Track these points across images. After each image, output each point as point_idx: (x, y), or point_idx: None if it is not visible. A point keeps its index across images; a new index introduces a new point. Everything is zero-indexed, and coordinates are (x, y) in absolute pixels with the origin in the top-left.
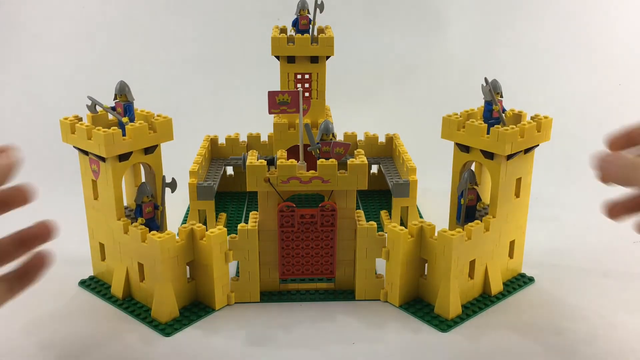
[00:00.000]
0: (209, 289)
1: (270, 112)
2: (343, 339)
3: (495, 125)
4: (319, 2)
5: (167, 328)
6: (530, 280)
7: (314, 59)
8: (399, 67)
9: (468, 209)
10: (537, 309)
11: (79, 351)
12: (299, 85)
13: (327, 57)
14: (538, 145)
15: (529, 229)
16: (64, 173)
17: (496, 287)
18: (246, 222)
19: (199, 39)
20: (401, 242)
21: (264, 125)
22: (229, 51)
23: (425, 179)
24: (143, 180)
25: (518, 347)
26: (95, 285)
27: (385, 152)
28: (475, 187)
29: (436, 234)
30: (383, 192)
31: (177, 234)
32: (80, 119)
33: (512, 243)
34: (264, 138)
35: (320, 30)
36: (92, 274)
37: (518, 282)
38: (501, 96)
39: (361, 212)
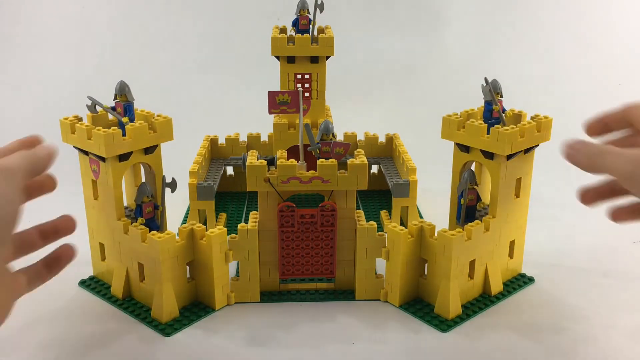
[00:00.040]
0: (209, 289)
1: (270, 112)
2: (343, 339)
3: (495, 125)
4: (319, 2)
5: (167, 328)
6: (530, 280)
7: (314, 59)
8: (399, 67)
9: (468, 209)
10: (537, 309)
11: (78, 351)
12: (299, 85)
13: (327, 57)
14: (538, 145)
15: (529, 229)
16: (64, 173)
17: (496, 287)
18: (246, 222)
19: (199, 39)
20: (401, 242)
21: (264, 125)
22: (229, 51)
23: (425, 179)
24: (143, 180)
25: (518, 347)
26: (95, 285)
27: (385, 152)
28: (475, 187)
29: (436, 234)
30: (383, 192)
31: (177, 234)
32: (80, 119)
33: (512, 243)
34: (264, 138)
35: (320, 30)
36: (92, 274)
37: (518, 282)
38: (501, 96)
39: (361, 212)
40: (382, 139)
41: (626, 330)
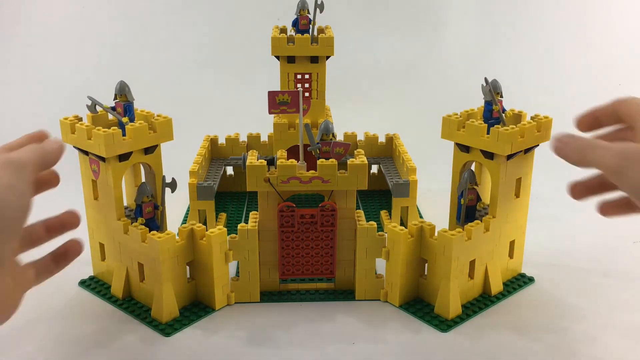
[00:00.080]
0: (209, 289)
1: (270, 112)
2: (343, 339)
3: (495, 125)
4: (319, 2)
5: (167, 328)
6: (530, 280)
7: (314, 59)
8: (399, 67)
9: (468, 209)
10: (537, 309)
11: (78, 351)
12: (299, 85)
13: (327, 57)
14: (538, 145)
15: (529, 229)
16: (64, 173)
17: (496, 287)
18: (246, 222)
19: (199, 39)
20: (401, 242)
21: (264, 125)
22: (229, 51)
23: (425, 179)
24: (143, 180)
25: (518, 347)
26: (95, 285)
27: (385, 152)
28: (475, 187)
29: (436, 234)
30: (383, 192)
31: (177, 234)
32: (80, 119)
33: (512, 243)
34: (264, 138)
35: (320, 30)
36: (92, 274)
37: (518, 282)
38: (501, 96)
39: (361, 212)
40: (382, 139)
41: (626, 330)
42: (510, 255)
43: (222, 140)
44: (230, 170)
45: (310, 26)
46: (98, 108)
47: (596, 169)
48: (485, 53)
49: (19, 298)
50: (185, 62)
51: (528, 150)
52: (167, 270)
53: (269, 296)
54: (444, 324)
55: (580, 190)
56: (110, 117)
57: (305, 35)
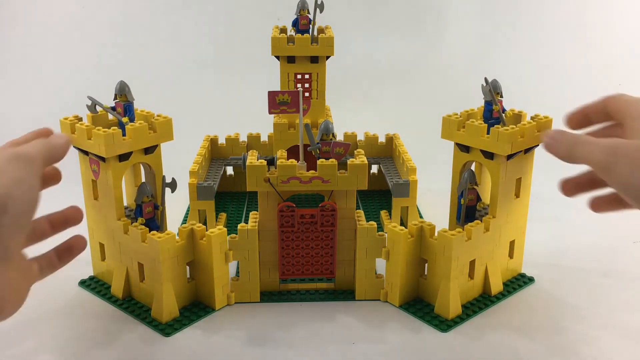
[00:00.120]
0: (209, 289)
1: (270, 112)
2: (343, 339)
3: (495, 125)
4: (319, 2)
5: (167, 328)
6: (530, 280)
7: (314, 59)
8: (399, 67)
9: (468, 209)
10: (537, 309)
11: (78, 351)
12: (299, 85)
13: (327, 57)
14: (538, 145)
15: (529, 229)
16: (64, 173)
17: (496, 287)
18: (246, 222)
19: (199, 39)
20: (401, 242)
21: (264, 125)
22: (229, 51)
23: (425, 179)
24: (143, 180)
25: (518, 347)
26: (95, 285)
27: (385, 152)
28: (475, 187)
29: (436, 234)
30: (383, 192)
31: (177, 234)
32: (80, 119)
33: (512, 243)
34: (264, 138)
35: (320, 30)
36: (92, 274)
37: (518, 282)
38: (501, 96)
39: (361, 212)
40: (382, 139)
41: (626, 330)
42: (510, 255)
43: (222, 140)
44: (230, 170)
45: (310, 26)
46: (98, 108)
47: (585, 164)
48: (485, 53)
49: (26, 291)
50: (185, 62)
51: (528, 150)
52: (167, 270)
53: (269, 296)
54: (444, 324)
55: (571, 187)
56: (110, 117)
57: (305, 35)
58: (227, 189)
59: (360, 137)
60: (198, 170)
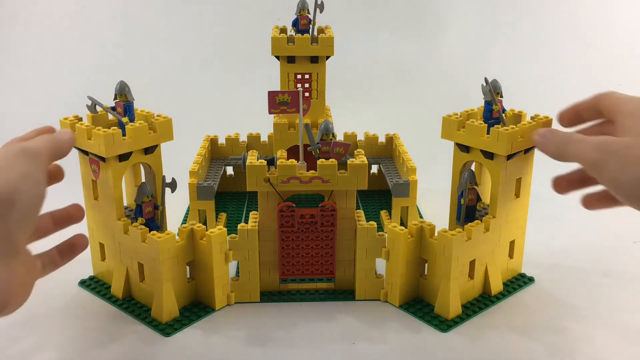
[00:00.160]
0: (209, 289)
1: (270, 112)
2: (343, 339)
3: (495, 125)
4: (319, 2)
5: (167, 328)
6: (530, 280)
7: (314, 59)
8: (399, 67)
9: (468, 209)
10: (537, 309)
11: (78, 351)
12: (299, 85)
13: (327, 57)
14: None
15: (529, 229)
16: (64, 173)
17: (496, 287)
18: (246, 222)
19: (199, 39)
20: (401, 242)
21: (264, 125)
22: (229, 51)
23: (425, 179)
24: (143, 180)
25: (518, 347)
26: (95, 285)
27: (385, 152)
28: (475, 187)
29: (436, 234)
30: (383, 192)
31: (177, 234)
32: (80, 119)
33: (512, 243)
34: (264, 138)
35: (320, 30)
36: (92, 274)
37: (518, 282)
38: (501, 96)
39: (361, 212)
40: (382, 139)
41: (626, 330)
42: (510, 255)
43: (222, 140)
44: (230, 170)
45: (310, 26)
46: (98, 108)
47: (576, 162)
48: (485, 53)
49: (30, 286)
50: (185, 62)
51: (528, 150)
52: (167, 270)
53: (269, 296)
54: (444, 324)
55: (563, 184)
56: (110, 117)
57: (305, 35)
58: (227, 189)
59: (360, 137)
60: (198, 170)
